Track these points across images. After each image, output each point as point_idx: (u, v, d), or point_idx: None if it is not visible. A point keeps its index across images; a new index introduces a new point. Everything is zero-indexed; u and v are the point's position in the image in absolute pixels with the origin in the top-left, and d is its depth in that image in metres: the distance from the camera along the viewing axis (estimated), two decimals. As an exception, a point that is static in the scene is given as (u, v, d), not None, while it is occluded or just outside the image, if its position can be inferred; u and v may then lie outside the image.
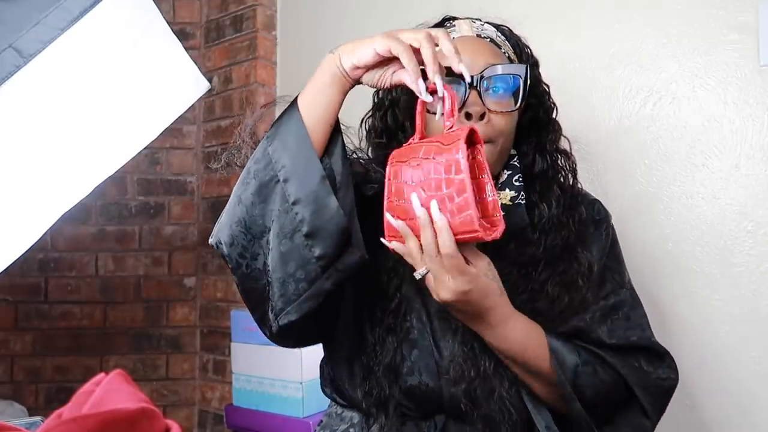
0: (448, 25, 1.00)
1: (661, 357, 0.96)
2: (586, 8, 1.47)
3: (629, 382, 0.92)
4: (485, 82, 0.90)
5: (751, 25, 1.26)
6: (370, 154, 1.03)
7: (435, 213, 0.74)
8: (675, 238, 1.34)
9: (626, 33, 1.41)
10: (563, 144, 1.03)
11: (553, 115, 1.03)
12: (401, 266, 0.93)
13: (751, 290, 1.25)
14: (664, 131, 1.36)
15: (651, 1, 1.39)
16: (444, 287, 0.78)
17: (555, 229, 0.94)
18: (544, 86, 1.03)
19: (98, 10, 1.36)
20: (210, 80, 1.77)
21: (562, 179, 1.00)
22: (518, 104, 0.92)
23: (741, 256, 1.27)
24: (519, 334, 0.87)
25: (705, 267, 1.30)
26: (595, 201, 1.04)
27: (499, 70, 0.91)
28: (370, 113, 1.04)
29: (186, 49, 1.60)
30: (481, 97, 0.90)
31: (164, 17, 1.53)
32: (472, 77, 0.89)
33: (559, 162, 1.01)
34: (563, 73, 1.46)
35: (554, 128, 1.02)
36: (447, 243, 0.74)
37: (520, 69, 0.92)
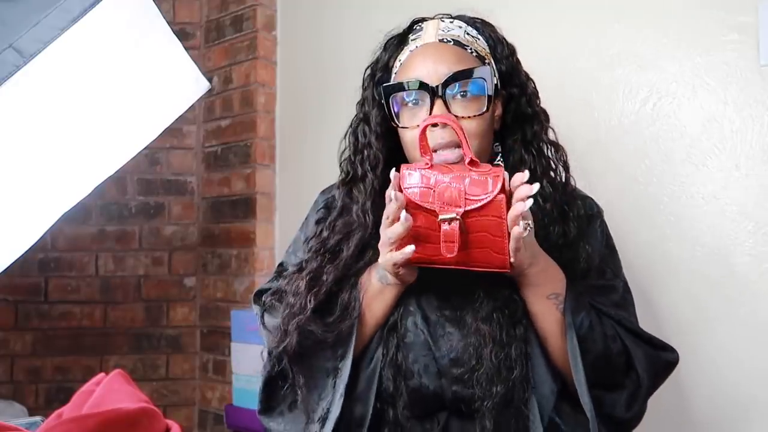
0: (417, 28, 1.00)
1: (651, 340, 0.98)
2: (586, 8, 1.47)
3: (622, 336, 0.93)
4: (449, 89, 0.91)
5: (751, 25, 1.26)
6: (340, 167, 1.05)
7: None
8: (675, 238, 1.34)
9: (626, 33, 1.41)
10: (552, 135, 1.01)
11: (537, 105, 1.01)
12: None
13: (751, 290, 1.25)
14: (664, 131, 1.36)
15: (651, 1, 1.39)
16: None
17: (544, 229, 0.94)
18: (525, 73, 1.02)
19: (98, 10, 1.36)
20: (210, 80, 1.78)
21: (552, 174, 0.99)
22: (487, 107, 0.93)
23: (741, 256, 1.26)
24: (554, 271, 0.91)
25: (705, 267, 1.30)
26: (587, 197, 1.04)
27: (462, 76, 0.91)
28: (351, 122, 1.05)
29: (186, 49, 1.60)
30: (447, 105, 0.91)
31: (164, 17, 1.53)
32: (435, 87, 0.91)
33: (545, 155, 1.00)
34: (563, 73, 1.46)
35: (539, 119, 1.00)
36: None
37: (483, 72, 0.92)
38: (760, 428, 1.23)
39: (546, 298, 0.90)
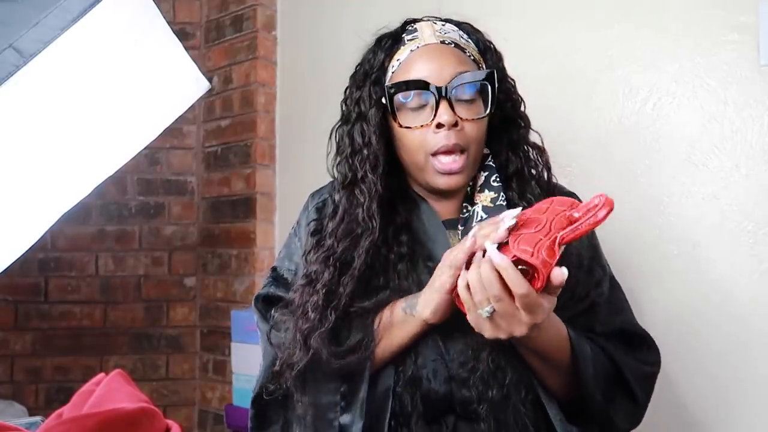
0: (410, 28, 1.00)
1: (645, 339, 0.99)
2: (585, 8, 1.47)
3: (622, 366, 0.93)
4: (455, 90, 0.92)
5: (751, 25, 1.26)
6: (335, 170, 1.02)
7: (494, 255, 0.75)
8: (675, 238, 1.34)
9: (626, 33, 1.41)
10: (533, 137, 1.03)
11: (521, 109, 1.03)
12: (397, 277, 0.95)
13: (751, 290, 1.25)
14: (664, 131, 1.36)
15: (651, 1, 1.39)
16: (519, 324, 0.78)
17: None
18: (510, 80, 1.03)
19: (98, 10, 1.36)
20: (210, 80, 1.78)
21: (538, 175, 1.01)
22: (488, 109, 0.94)
23: (741, 256, 1.27)
24: (553, 334, 0.88)
25: (705, 267, 1.30)
26: (571, 194, 1.04)
27: (468, 77, 0.93)
28: (339, 123, 1.04)
29: (186, 49, 1.60)
30: (452, 106, 0.92)
31: (164, 17, 1.53)
32: (441, 87, 0.91)
33: (531, 157, 1.02)
34: (563, 73, 1.46)
35: (524, 123, 1.02)
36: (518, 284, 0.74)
37: (489, 75, 0.94)
38: (760, 428, 1.23)
39: (546, 359, 0.90)
